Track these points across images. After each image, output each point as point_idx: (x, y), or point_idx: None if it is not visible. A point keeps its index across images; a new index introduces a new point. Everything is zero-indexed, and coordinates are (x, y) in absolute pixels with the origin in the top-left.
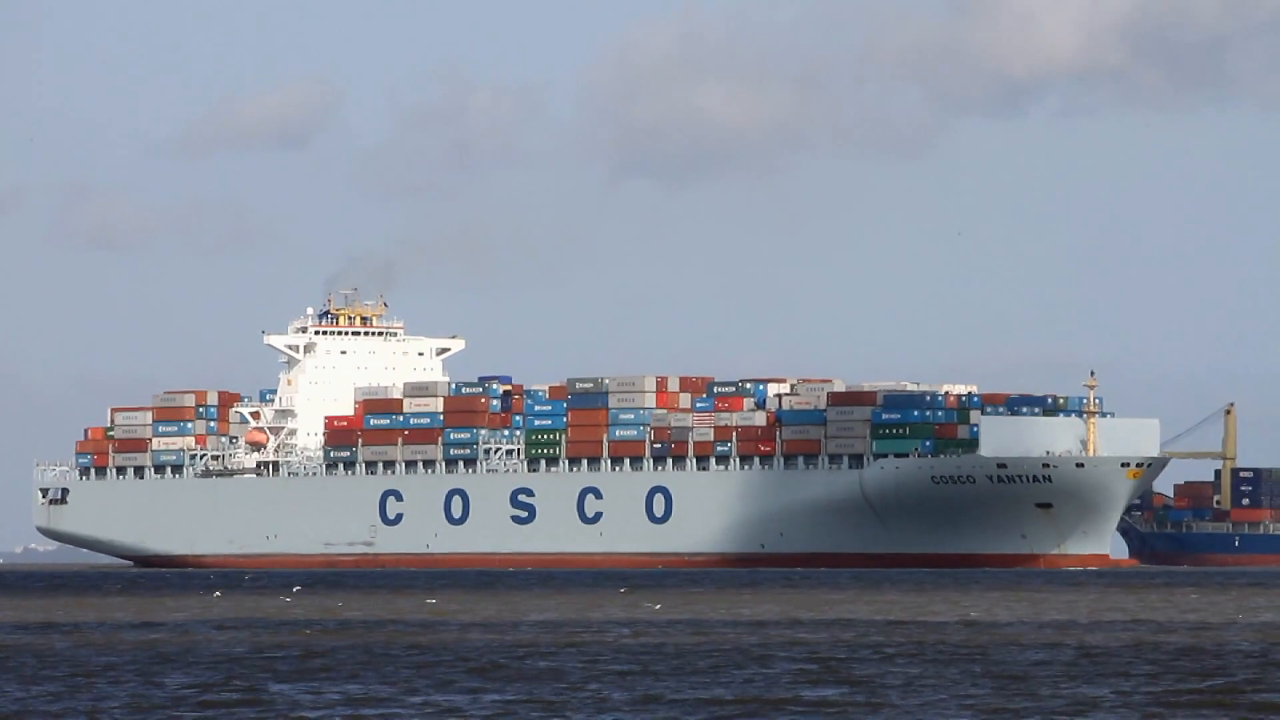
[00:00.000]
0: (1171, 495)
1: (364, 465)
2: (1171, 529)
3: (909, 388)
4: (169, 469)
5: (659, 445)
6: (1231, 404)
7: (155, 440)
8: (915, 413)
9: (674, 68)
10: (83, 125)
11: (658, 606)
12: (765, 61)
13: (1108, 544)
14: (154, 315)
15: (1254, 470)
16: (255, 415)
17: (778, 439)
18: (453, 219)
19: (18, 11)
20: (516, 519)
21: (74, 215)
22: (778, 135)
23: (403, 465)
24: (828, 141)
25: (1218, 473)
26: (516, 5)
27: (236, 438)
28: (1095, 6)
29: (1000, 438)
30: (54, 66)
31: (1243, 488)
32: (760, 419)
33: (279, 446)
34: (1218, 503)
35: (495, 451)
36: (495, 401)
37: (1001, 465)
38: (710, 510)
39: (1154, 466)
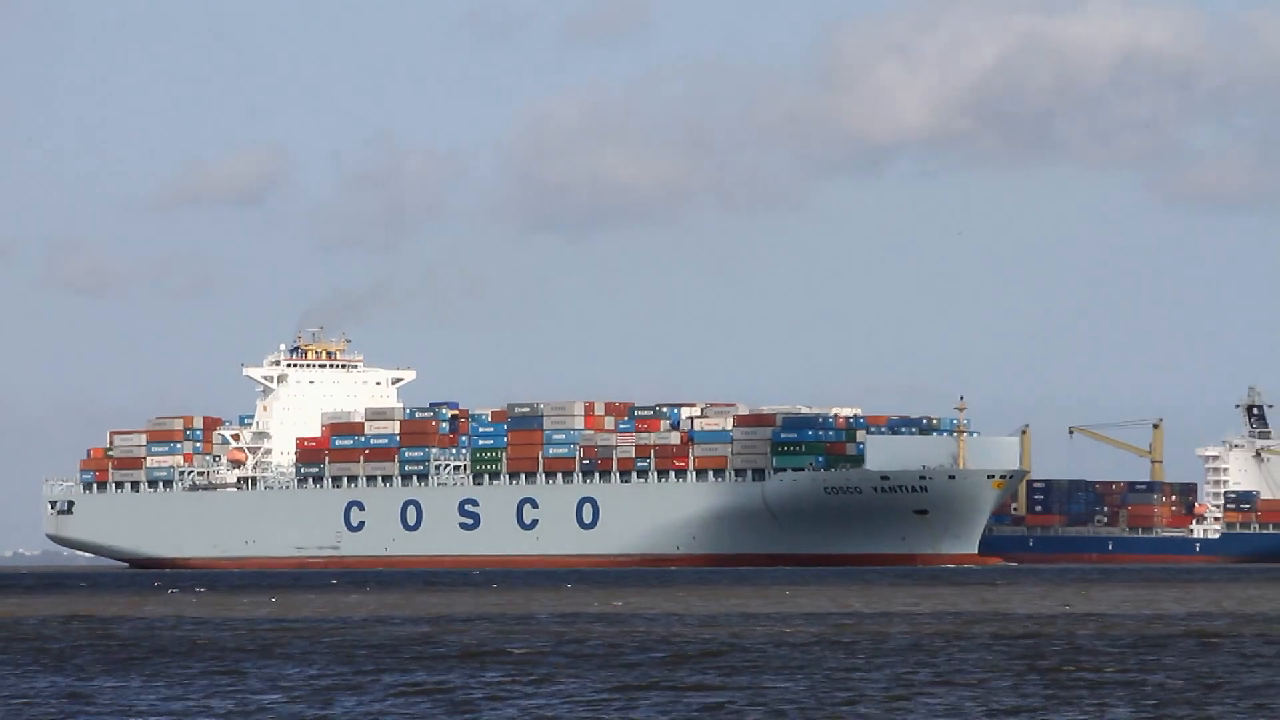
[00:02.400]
0: None
1: (330, 480)
2: None
3: (803, 411)
4: (161, 483)
5: (587, 461)
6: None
7: (149, 459)
8: (809, 432)
9: (579, 135)
10: (68, 186)
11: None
12: (658, 128)
13: (975, 545)
14: (143, 351)
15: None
16: (236, 437)
17: (690, 456)
18: (391, 267)
19: (15, 88)
20: (464, 526)
21: (62, 265)
22: (669, 192)
23: (364, 479)
24: (713, 197)
25: None
26: (443, 82)
27: (219, 456)
28: (943, 81)
29: (883, 454)
30: (44, 134)
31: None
32: (675, 438)
33: (256, 464)
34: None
35: (444, 467)
36: (444, 424)
37: (884, 477)
38: (632, 518)
39: (1015, 477)
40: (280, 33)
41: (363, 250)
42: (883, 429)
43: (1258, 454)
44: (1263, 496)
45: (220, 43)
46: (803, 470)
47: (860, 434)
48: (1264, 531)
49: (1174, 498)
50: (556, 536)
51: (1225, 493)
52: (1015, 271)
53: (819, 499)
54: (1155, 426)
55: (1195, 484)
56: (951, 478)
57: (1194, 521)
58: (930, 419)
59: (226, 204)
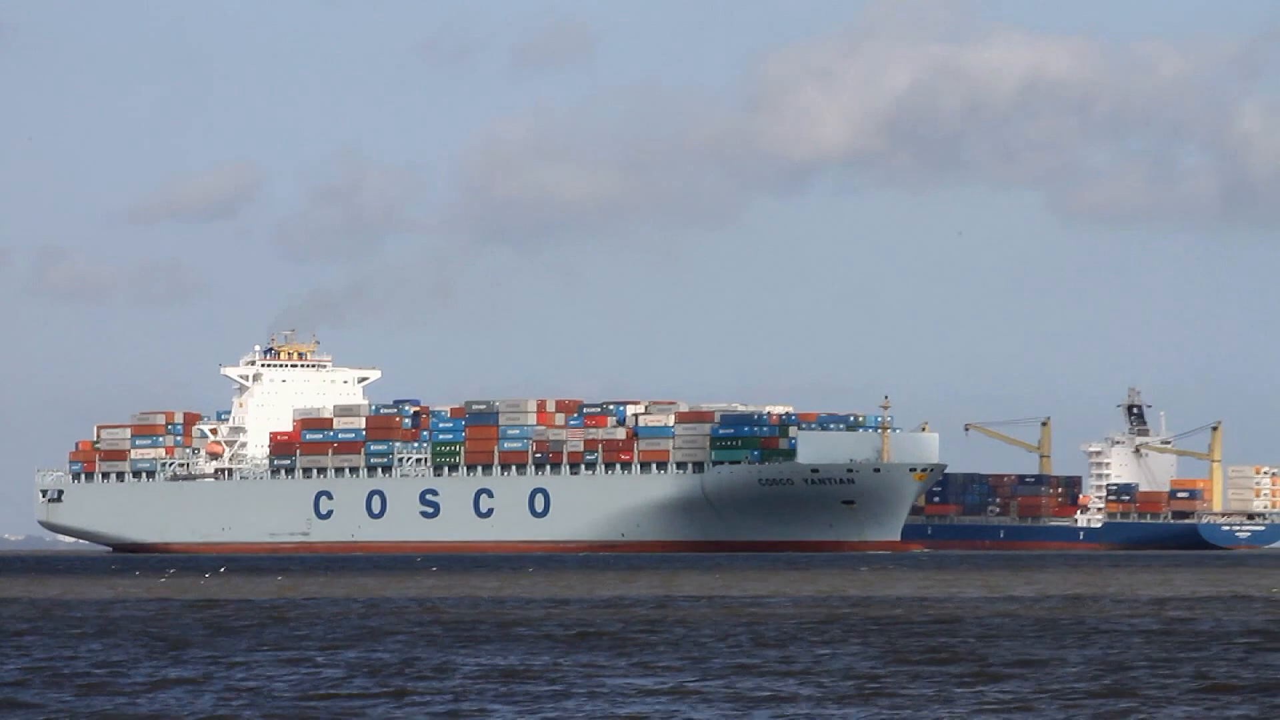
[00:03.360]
0: None
1: (301, 471)
2: None
3: (740, 408)
4: (144, 474)
5: (539, 455)
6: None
7: (133, 451)
8: (746, 428)
9: (527, 153)
10: (55, 200)
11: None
12: (599, 148)
13: (898, 532)
14: (128, 351)
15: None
16: (214, 431)
17: (635, 450)
18: (354, 275)
19: (5, 111)
20: (425, 514)
21: (50, 272)
22: (610, 207)
23: (333, 471)
24: (649, 213)
25: None
26: (403, 104)
27: (198, 449)
28: (862, 104)
29: (813, 448)
30: (32, 152)
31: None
32: (621, 433)
33: (233, 456)
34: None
35: (407, 460)
36: (407, 420)
37: (815, 470)
38: (581, 507)
39: (935, 471)
40: (252, 59)
41: (328, 259)
42: (813, 425)
43: (1137, 450)
44: (1141, 489)
45: (196, 68)
46: (739, 463)
47: (792, 430)
48: (1142, 521)
49: (1060, 489)
50: (510, 524)
51: (1107, 485)
52: (925, 281)
53: (754, 490)
54: (1044, 424)
55: (1080, 477)
56: (876, 470)
57: (1078, 511)
58: (857, 416)
59: (202, 216)
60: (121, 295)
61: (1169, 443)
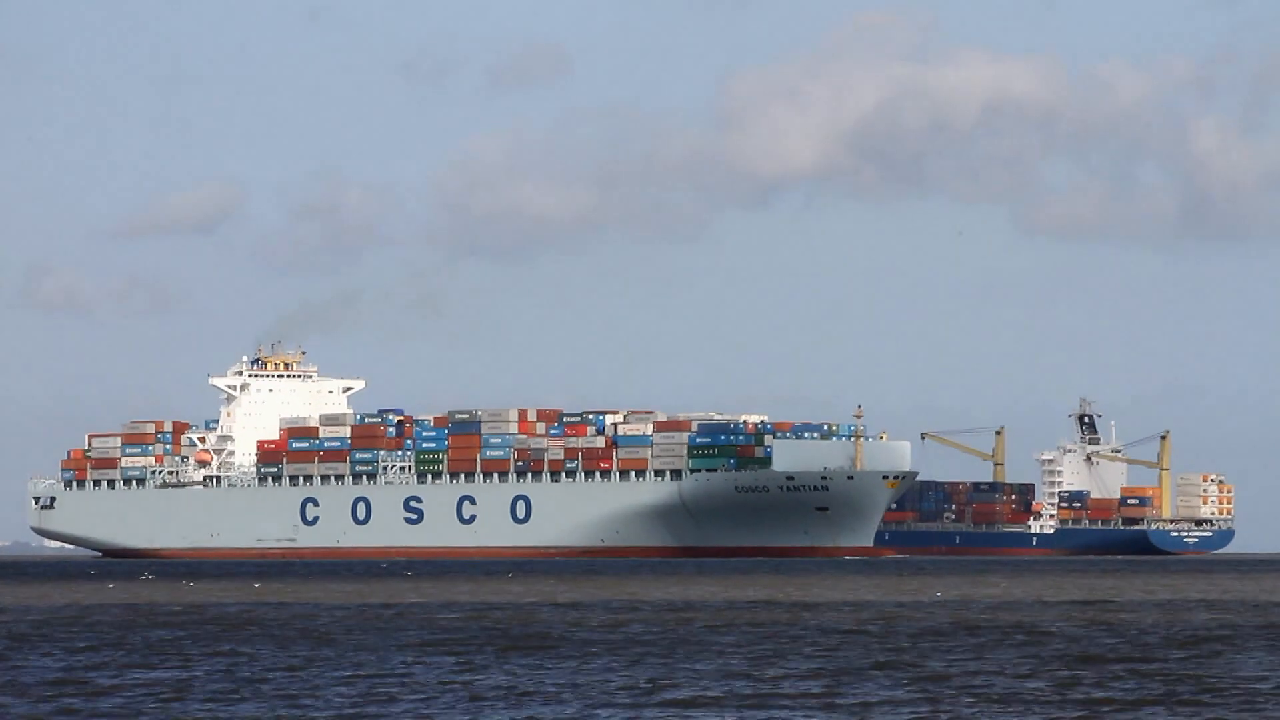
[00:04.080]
0: None
1: (288, 478)
2: None
3: (716, 417)
4: (134, 481)
5: (521, 463)
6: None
7: (123, 459)
8: (722, 437)
9: (502, 170)
10: (42, 216)
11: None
12: (572, 165)
13: (871, 539)
14: (118, 363)
15: None
16: (202, 439)
17: (614, 458)
18: (336, 288)
19: None
20: (409, 520)
21: (36, 286)
22: (582, 223)
23: (319, 478)
24: (621, 228)
25: None
26: (380, 122)
27: (187, 457)
28: (828, 122)
29: (788, 456)
30: (19, 170)
31: None
32: (600, 442)
33: (221, 464)
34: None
35: (391, 468)
36: (391, 429)
37: (790, 478)
38: (561, 514)
39: (906, 478)
40: (233, 79)
41: (309, 273)
42: (788, 434)
43: (1088, 458)
44: (1092, 496)
45: (180, 88)
46: (716, 471)
47: (768, 438)
48: (1093, 527)
49: (1014, 497)
50: (493, 530)
51: (1059, 492)
52: (887, 294)
53: (730, 497)
54: (998, 433)
55: (1033, 484)
56: (850, 478)
57: (1031, 518)
58: (830, 425)
59: (183, 232)
60: (107, 308)
61: (1119, 451)
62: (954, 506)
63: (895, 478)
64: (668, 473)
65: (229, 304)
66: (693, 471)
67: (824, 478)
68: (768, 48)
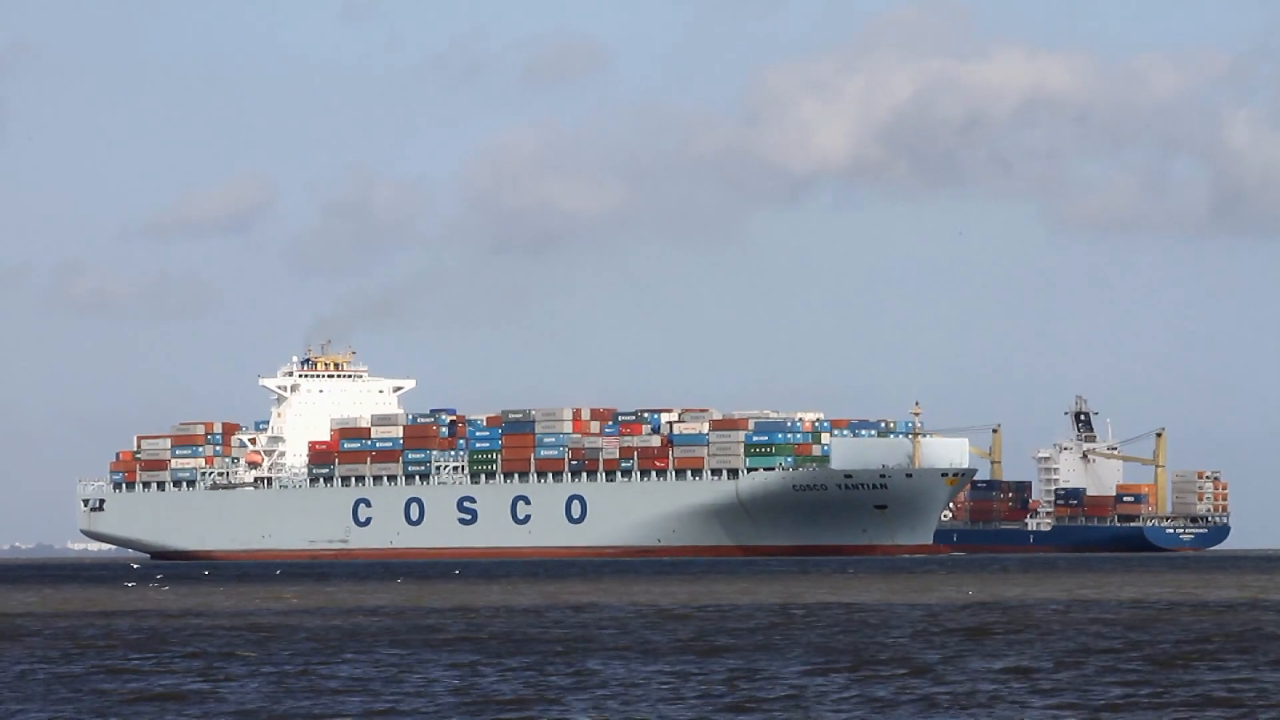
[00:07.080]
0: None
1: (340, 479)
2: None
3: (772, 415)
4: (184, 483)
5: (576, 462)
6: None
7: (173, 461)
8: (779, 435)
9: (534, 166)
10: (72, 215)
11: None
12: (604, 161)
13: (930, 536)
14: (166, 363)
15: None
16: (253, 441)
17: (670, 457)
18: (382, 286)
19: (25, 128)
20: (462, 521)
21: (67, 286)
22: (614, 219)
23: (371, 479)
24: (653, 225)
25: None
26: (411, 117)
27: (238, 458)
28: (860, 117)
29: (846, 454)
30: (50, 167)
31: None
32: (656, 441)
33: (272, 465)
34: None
35: (444, 468)
36: (444, 429)
37: (847, 475)
38: (617, 513)
39: (965, 475)
40: (264, 76)
41: (345, 272)
42: (845, 431)
43: (1084, 455)
44: (1089, 493)
45: (210, 85)
46: (773, 469)
47: (825, 436)
48: (1089, 524)
49: (1011, 494)
50: (547, 530)
51: (1056, 490)
52: (934, 290)
53: (788, 495)
54: (995, 431)
55: (1030, 482)
56: (909, 475)
57: (1028, 516)
58: (887, 422)
59: (215, 232)
60: (139, 308)
61: (1115, 449)
62: (951, 504)
63: (954, 475)
64: (724, 471)
65: (265, 303)
66: (750, 470)
67: (882, 475)
68: (801, 43)
